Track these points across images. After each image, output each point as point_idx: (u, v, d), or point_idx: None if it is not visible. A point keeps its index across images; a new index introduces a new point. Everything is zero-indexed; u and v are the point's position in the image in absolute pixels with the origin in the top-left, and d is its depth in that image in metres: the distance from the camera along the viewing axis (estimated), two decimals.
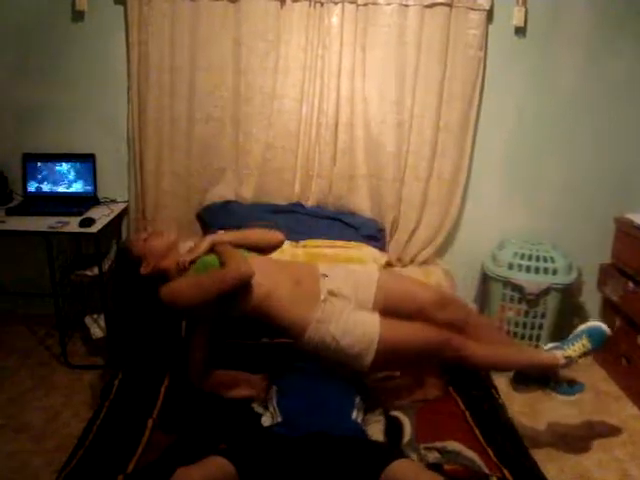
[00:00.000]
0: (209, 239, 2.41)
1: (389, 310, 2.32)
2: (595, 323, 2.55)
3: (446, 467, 1.91)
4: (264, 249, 2.51)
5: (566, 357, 2.44)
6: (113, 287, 2.58)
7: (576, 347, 2.47)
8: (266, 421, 2.17)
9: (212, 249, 2.38)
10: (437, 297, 2.46)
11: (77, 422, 2.73)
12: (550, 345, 2.59)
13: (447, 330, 2.31)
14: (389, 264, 3.32)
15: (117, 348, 2.82)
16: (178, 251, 2.41)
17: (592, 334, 2.50)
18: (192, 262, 2.35)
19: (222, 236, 2.46)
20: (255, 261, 2.31)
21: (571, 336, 2.54)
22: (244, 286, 2.23)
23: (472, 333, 2.39)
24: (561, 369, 2.47)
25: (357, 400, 2.24)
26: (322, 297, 2.29)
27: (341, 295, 2.32)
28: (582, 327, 2.54)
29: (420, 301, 2.41)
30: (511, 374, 2.61)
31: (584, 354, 2.47)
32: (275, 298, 2.27)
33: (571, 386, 2.52)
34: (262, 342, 2.52)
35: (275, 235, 2.59)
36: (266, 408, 2.24)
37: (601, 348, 2.56)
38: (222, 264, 2.27)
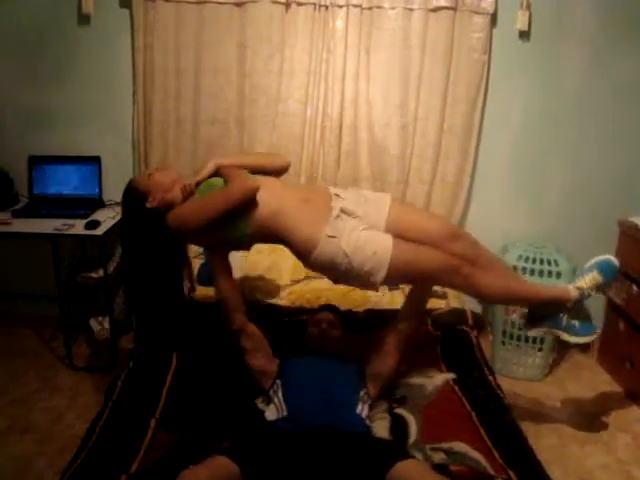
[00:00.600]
0: (213, 161, 2.41)
1: (400, 238, 2.26)
2: (604, 256, 2.50)
3: (452, 468, 1.92)
4: (269, 172, 2.46)
5: (578, 288, 2.40)
6: (122, 225, 2.60)
7: (587, 279, 2.42)
8: (270, 415, 2.18)
9: (217, 173, 2.38)
10: (449, 229, 2.39)
11: (81, 424, 2.73)
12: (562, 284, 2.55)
13: (459, 258, 2.28)
14: None
15: (130, 294, 2.83)
16: (181, 183, 2.39)
17: (602, 267, 2.45)
18: (197, 185, 2.36)
19: (226, 159, 2.45)
20: (261, 180, 2.31)
21: (582, 270, 2.49)
22: (250, 203, 2.24)
23: (483, 266, 2.32)
24: (574, 303, 2.42)
25: (362, 393, 2.24)
26: (334, 213, 2.25)
27: (353, 214, 2.29)
28: (592, 261, 2.50)
29: (431, 231, 2.33)
30: (524, 315, 2.57)
31: (595, 286, 2.41)
32: (284, 214, 2.25)
33: (583, 327, 2.45)
34: (270, 339, 2.52)
35: (280, 158, 2.59)
36: (270, 403, 2.24)
37: (612, 281, 2.49)
38: (227, 182, 2.28)
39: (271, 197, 2.28)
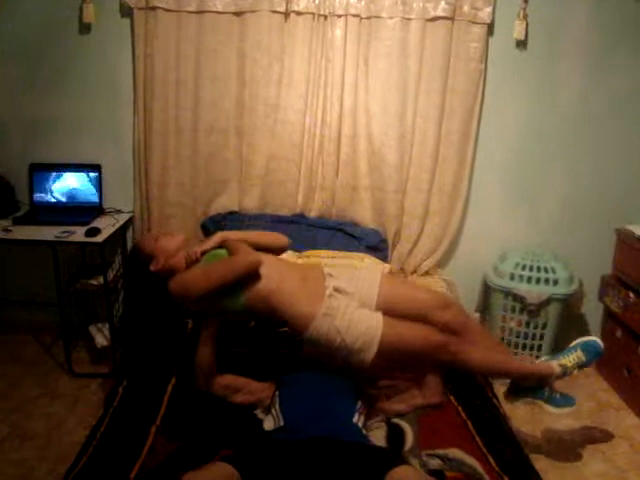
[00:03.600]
0: (219, 235, 2.52)
1: (390, 312, 2.36)
2: (590, 337, 2.61)
3: (448, 474, 1.93)
4: (269, 251, 2.55)
5: (561, 365, 2.49)
6: (125, 284, 2.67)
7: (571, 358, 2.52)
8: (268, 425, 2.19)
9: (221, 246, 2.48)
10: (438, 299, 2.52)
11: (81, 430, 2.76)
12: (545, 357, 2.66)
13: (446, 333, 2.36)
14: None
15: (129, 343, 2.89)
16: (186, 251, 2.48)
17: (587, 347, 2.55)
18: (202, 254, 2.44)
19: (231, 233, 2.57)
20: (263, 256, 2.39)
21: (566, 349, 2.59)
22: (252, 277, 2.32)
23: (470, 338, 2.43)
24: (556, 379, 2.51)
25: (358, 405, 2.25)
26: (328, 292, 2.35)
27: (346, 292, 2.39)
28: (577, 341, 2.60)
29: (421, 303, 2.45)
30: (507, 384, 2.63)
31: (578, 365, 2.51)
32: (282, 291, 2.34)
33: (564, 398, 2.56)
34: (266, 351, 2.53)
35: (281, 238, 2.66)
36: (268, 412, 2.26)
37: (595, 362, 2.62)
38: (231, 254, 2.37)
39: (271, 273, 2.38)
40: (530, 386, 2.55)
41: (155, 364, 2.64)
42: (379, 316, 2.32)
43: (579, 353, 2.53)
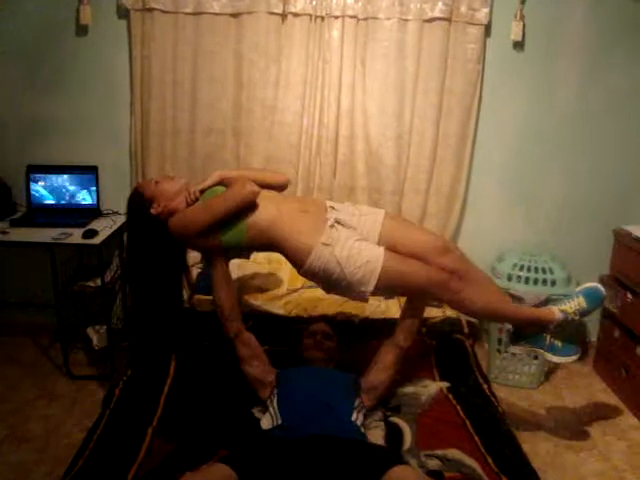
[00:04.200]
0: (217, 173, 2.50)
1: (392, 250, 2.34)
2: (592, 284, 2.58)
3: (446, 475, 1.93)
4: (269, 188, 2.53)
5: (562, 310, 2.47)
6: (126, 228, 2.66)
7: (572, 304, 2.50)
8: (265, 423, 2.19)
9: (221, 183, 2.47)
10: (440, 243, 2.47)
11: (79, 432, 2.75)
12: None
13: (448, 272, 2.34)
14: None
15: (133, 295, 2.89)
16: (186, 191, 2.46)
17: (588, 293, 2.52)
18: (201, 192, 2.43)
19: (229, 171, 2.56)
20: (262, 190, 2.39)
21: (568, 295, 2.57)
22: (250, 209, 2.32)
23: (471, 283, 2.40)
24: (557, 325, 2.49)
25: (357, 403, 2.25)
26: (329, 223, 2.33)
27: (348, 225, 2.37)
28: (578, 288, 2.58)
29: (423, 244, 2.41)
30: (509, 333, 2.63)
31: (580, 311, 2.48)
32: (282, 222, 2.34)
33: (565, 348, 2.53)
34: (266, 349, 2.53)
35: (280, 175, 2.66)
36: (266, 410, 2.26)
37: (596, 308, 2.58)
38: (228, 188, 2.37)
39: (270, 205, 2.37)
40: (531, 332, 2.54)
41: (152, 363, 2.64)
42: (381, 249, 2.31)
43: (580, 299, 2.50)
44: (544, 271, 3.28)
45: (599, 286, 2.56)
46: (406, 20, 3.17)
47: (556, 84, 3.36)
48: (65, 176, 3.44)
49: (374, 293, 2.30)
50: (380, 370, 2.38)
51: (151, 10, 3.15)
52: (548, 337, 2.52)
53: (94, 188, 3.45)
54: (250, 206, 2.33)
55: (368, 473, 1.77)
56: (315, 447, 1.91)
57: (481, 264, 3.47)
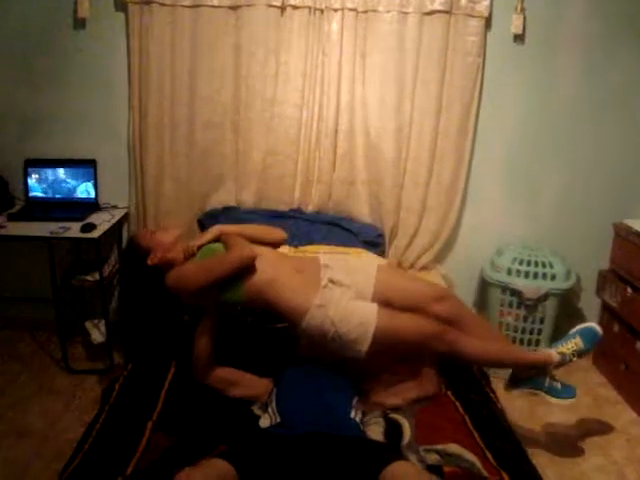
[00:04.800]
0: (216, 228, 2.54)
1: (386, 303, 2.37)
2: (588, 324, 2.59)
3: (446, 469, 1.92)
4: (267, 244, 2.57)
5: (560, 353, 2.47)
6: (121, 278, 2.68)
7: (569, 345, 2.50)
8: (264, 422, 2.18)
9: (218, 239, 2.49)
10: (433, 291, 2.52)
11: (78, 426, 2.73)
12: (543, 348, 2.64)
13: (442, 324, 2.35)
14: None
15: (127, 339, 2.90)
16: (183, 243, 2.50)
17: (584, 334, 2.53)
18: (199, 248, 2.46)
19: (228, 227, 2.58)
20: (259, 250, 2.41)
21: (564, 336, 2.57)
22: (247, 270, 2.34)
23: (467, 329, 2.42)
24: (555, 367, 2.49)
25: (355, 400, 2.25)
26: (323, 283, 2.37)
27: (341, 284, 2.39)
28: (575, 328, 2.59)
29: (416, 295, 2.46)
30: (507, 377, 2.62)
31: (577, 352, 2.49)
32: (277, 284, 2.36)
33: (565, 390, 2.54)
34: (264, 348, 2.52)
35: (278, 232, 2.69)
36: (265, 410, 2.25)
37: (594, 348, 2.60)
38: (227, 249, 2.39)
39: (267, 266, 2.40)
40: (530, 376, 2.53)
41: (152, 358, 2.64)
42: (374, 307, 2.32)
43: (577, 340, 2.51)
44: (544, 265, 3.27)
45: (596, 326, 2.58)
46: (406, 13, 3.15)
47: (556, 77, 3.34)
48: (63, 170, 3.43)
49: (371, 350, 2.28)
50: (393, 398, 2.38)
51: (149, 3, 3.13)
52: (547, 379, 2.52)
53: (92, 182, 3.43)
54: (247, 268, 2.35)
55: (367, 469, 1.76)
56: (314, 444, 1.90)
57: (481, 258, 3.51)
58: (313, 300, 2.30)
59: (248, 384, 2.41)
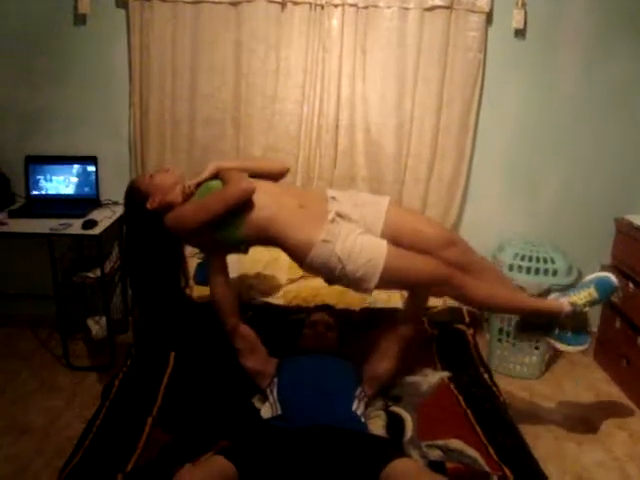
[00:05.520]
0: (213, 164, 2.45)
1: (395, 241, 2.30)
2: (604, 273, 2.49)
3: (448, 465, 1.92)
4: (268, 177, 2.49)
5: (571, 303, 2.40)
6: (124, 224, 2.65)
7: (582, 295, 2.42)
8: (265, 413, 2.18)
9: (217, 175, 2.42)
10: (444, 235, 2.45)
11: (79, 423, 2.72)
12: (555, 294, 2.56)
13: (451, 267, 2.31)
14: None
15: (134, 287, 2.90)
16: (182, 185, 2.43)
17: (600, 284, 2.44)
18: (197, 187, 2.40)
19: (226, 162, 2.49)
20: (259, 183, 2.33)
21: (578, 285, 2.50)
22: (246, 205, 2.27)
23: (476, 274, 2.38)
24: (566, 316, 2.43)
25: (358, 392, 2.25)
26: (330, 217, 2.28)
27: (349, 218, 2.32)
28: (590, 276, 2.49)
29: (427, 236, 2.38)
30: (516, 322, 2.60)
31: (590, 302, 2.42)
32: (279, 218, 2.28)
33: (576, 336, 2.47)
34: (266, 339, 2.52)
35: (278, 163, 2.64)
36: (266, 400, 2.25)
37: (608, 299, 2.53)
38: (224, 185, 2.32)
39: (268, 200, 2.31)
40: (539, 323, 2.49)
41: (153, 344, 2.63)
42: (383, 244, 2.25)
43: (591, 290, 2.42)
44: (545, 261, 3.26)
45: (611, 276, 2.48)
46: (407, 8, 3.15)
47: (557, 72, 3.34)
48: (64, 167, 3.42)
49: (377, 287, 2.25)
50: (383, 360, 2.36)
51: None
52: (556, 327, 2.47)
53: (93, 178, 3.43)
54: (247, 202, 2.28)
55: (369, 466, 1.76)
56: (315, 438, 1.90)
57: (482, 254, 3.47)
58: (318, 235, 2.23)
59: (262, 357, 2.39)
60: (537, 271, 3.25)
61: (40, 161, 3.42)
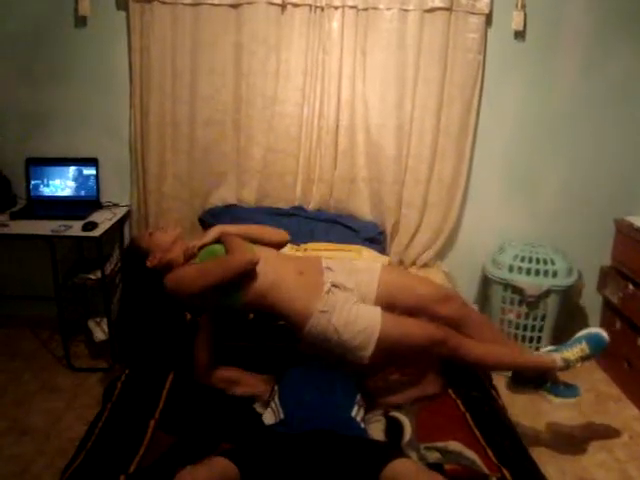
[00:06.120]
0: (217, 229, 2.47)
1: (390, 304, 2.35)
2: (595, 329, 2.55)
3: (446, 467, 1.92)
4: (269, 245, 2.52)
5: (564, 359, 2.45)
6: (122, 280, 2.65)
7: (574, 351, 2.47)
8: (267, 418, 2.19)
9: (219, 240, 2.43)
10: (437, 292, 2.49)
11: (80, 424, 2.74)
12: (549, 347, 2.61)
13: (446, 327, 2.34)
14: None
15: (126, 340, 2.89)
16: (183, 243, 2.44)
17: (591, 340, 2.49)
18: (200, 249, 2.40)
19: (229, 227, 2.51)
20: (260, 252, 2.36)
21: (570, 340, 2.54)
22: (248, 274, 2.28)
23: (471, 331, 2.41)
24: (559, 372, 2.48)
25: (357, 398, 2.25)
26: (326, 288, 2.32)
27: (344, 288, 2.36)
28: (582, 332, 2.55)
29: (420, 295, 2.43)
30: (509, 375, 2.62)
31: (582, 358, 2.47)
32: (279, 288, 2.31)
33: (568, 389, 2.52)
34: (265, 344, 2.52)
35: (281, 233, 2.64)
36: (268, 406, 2.25)
37: (599, 354, 2.57)
38: (228, 252, 2.33)
39: (269, 269, 2.34)
40: (533, 377, 2.52)
41: (154, 358, 2.63)
42: (378, 312, 2.29)
43: (583, 345, 2.47)
44: (545, 262, 3.27)
45: (602, 332, 2.53)
46: (406, 10, 3.15)
47: (557, 74, 3.34)
48: (65, 168, 3.43)
49: (373, 358, 2.27)
50: (396, 396, 2.38)
51: (150, 1, 3.14)
52: (548, 381, 2.51)
53: (94, 180, 3.44)
54: (248, 272, 2.30)
55: (368, 467, 1.76)
56: (316, 442, 1.90)
57: (482, 255, 3.51)
58: (316, 305, 2.27)
59: (250, 382, 2.40)
60: (537, 272, 3.26)
61: (41, 163, 3.44)
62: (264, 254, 2.38)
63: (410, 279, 2.65)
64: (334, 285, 2.35)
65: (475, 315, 2.54)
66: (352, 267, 2.51)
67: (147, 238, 2.47)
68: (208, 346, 2.40)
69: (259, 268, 2.31)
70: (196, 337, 2.42)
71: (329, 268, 2.44)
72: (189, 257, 2.40)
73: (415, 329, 2.31)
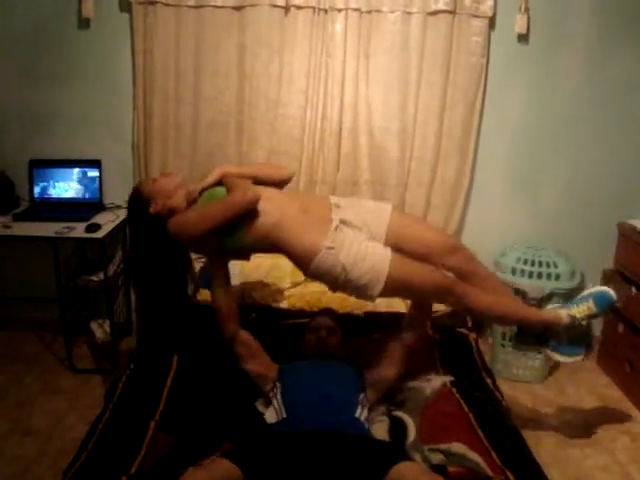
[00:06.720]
0: (218, 170, 2.42)
1: (397, 249, 2.30)
2: (602, 288, 2.51)
3: (450, 469, 1.92)
4: (272, 184, 2.47)
5: (570, 315, 2.42)
6: (128, 228, 2.65)
7: (581, 308, 2.44)
8: (269, 417, 2.19)
9: (221, 182, 2.40)
10: (448, 241, 2.47)
11: (82, 426, 2.72)
12: (555, 305, 2.58)
13: (453, 276, 2.32)
14: None
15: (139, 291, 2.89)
16: (186, 189, 2.41)
17: (598, 298, 2.46)
18: (201, 192, 2.38)
19: (231, 168, 2.47)
20: (263, 191, 2.32)
21: (577, 298, 2.51)
22: (251, 213, 2.25)
23: (477, 282, 2.39)
24: (564, 328, 2.44)
25: (361, 397, 2.25)
26: (334, 225, 2.26)
27: (353, 225, 2.31)
28: (589, 290, 2.51)
29: (431, 243, 2.40)
30: (514, 330, 2.61)
31: (588, 316, 2.44)
32: (283, 226, 2.27)
33: (571, 347, 2.49)
34: (267, 343, 2.52)
35: (283, 170, 2.61)
36: (269, 405, 2.25)
37: (606, 312, 2.54)
38: (228, 192, 2.30)
39: (271, 208, 2.29)
40: (537, 334, 2.50)
41: (156, 352, 2.65)
42: (387, 252, 2.24)
43: (590, 304, 2.44)
44: (548, 265, 3.26)
45: (610, 290, 2.49)
46: (410, 13, 3.15)
47: (560, 77, 3.34)
48: (68, 170, 3.44)
49: (381, 295, 2.25)
50: (386, 366, 2.37)
51: (153, 3, 3.14)
52: (551, 338, 2.49)
53: (97, 182, 3.44)
54: (250, 210, 2.26)
55: (373, 469, 1.76)
56: (319, 442, 1.90)
57: (485, 257, 3.46)
58: (323, 242, 2.21)
59: (264, 361, 2.39)
60: (540, 275, 3.25)
61: (44, 165, 3.44)
62: (267, 193, 2.33)
63: (420, 225, 2.59)
64: (342, 222, 2.29)
65: (482, 269, 2.51)
66: (361, 206, 2.45)
67: (150, 185, 2.45)
68: (227, 293, 2.39)
69: (261, 207, 2.27)
70: (212, 289, 2.40)
71: (337, 205, 2.38)
72: (191, 201, 2.36)
73: (424, 272, 2.27)
